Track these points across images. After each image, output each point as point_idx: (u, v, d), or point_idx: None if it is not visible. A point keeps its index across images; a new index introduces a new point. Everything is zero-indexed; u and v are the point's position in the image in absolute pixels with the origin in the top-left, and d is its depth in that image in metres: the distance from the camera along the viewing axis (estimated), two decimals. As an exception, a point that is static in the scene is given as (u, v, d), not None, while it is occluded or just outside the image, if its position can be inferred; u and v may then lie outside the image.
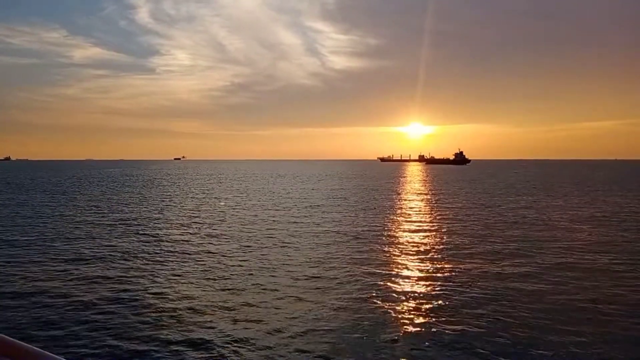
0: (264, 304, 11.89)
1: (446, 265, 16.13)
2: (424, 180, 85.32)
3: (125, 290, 12.97)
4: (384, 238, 21.89)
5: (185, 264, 16.30)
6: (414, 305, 11.95)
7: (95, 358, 8.77)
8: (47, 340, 9.49)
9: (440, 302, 12.13)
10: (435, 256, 17.72)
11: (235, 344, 9.34)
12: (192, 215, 30.65)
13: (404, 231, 24.13)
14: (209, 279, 14.32)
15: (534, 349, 9.14)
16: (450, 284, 13.76)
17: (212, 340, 9.54)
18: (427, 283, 14.05)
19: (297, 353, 8.98)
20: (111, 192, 50.56)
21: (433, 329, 10.18)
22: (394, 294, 12.81)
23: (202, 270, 15.35)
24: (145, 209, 34.39)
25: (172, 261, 16.81)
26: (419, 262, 16.78)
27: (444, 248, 19.28)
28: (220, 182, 74.26)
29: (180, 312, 11.24)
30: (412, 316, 11.13)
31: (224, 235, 22.63)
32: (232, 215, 30.74)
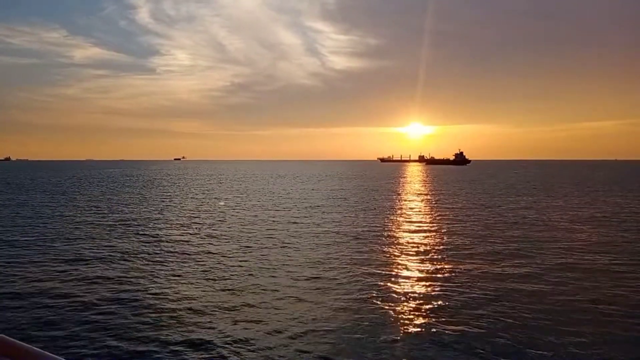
0: (264, 304, 11.88)
1: (446, 266, 16.13)
2: (424, 180, 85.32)
3: (125, 291, 12.97)
4: (384, 238, 21.89)
5: (185, 264, 16.30)
6: (414, 305, 11.95)
7: (95, 358, 8.77)
8: (47, 341, 9.49)
9: (440, 302, 12.13)
10: (435, 257, 17.72)
11: (235, 345, 9.34)
12: (192, 215, 30.65)
13: (404, 232, 24.13)
14: (209, 279, 14.32)
15: (534, 349, 9.14)
16: (450, 284, 13.76)
17: (212, 340, 9.54)
18: (427, 283, 14.04)
19: (297, 353, 8.98)
20: (111, 193, 50.56)
21: (433, 329, 10.18)
22: (394, 295, 12.81)
23: (202, 271, 15.34)
24: (145, 209, 34.39)
25: (172, 261, 16.81)
26: (419, 263, 16.78)
27: (444, 248, 19.28)
28: (220, 183, 74.26)
29: (180, 312, 11.24)
30: (412, 316, 11.13)
31: (224, 235, 22.63)
32: (232, 215, 30.74)
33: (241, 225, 26.13)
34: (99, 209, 34.22)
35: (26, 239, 21.29)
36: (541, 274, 14.91)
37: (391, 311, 11.43)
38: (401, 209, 35.45)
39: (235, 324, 10.45)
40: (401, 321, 10.79)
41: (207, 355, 8.88)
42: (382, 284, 13.81)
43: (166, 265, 16.16)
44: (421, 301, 12.26)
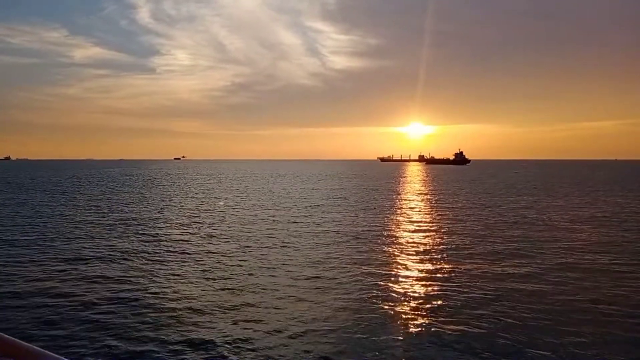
0: (264, 304, 11.88)
1: (446, 266, 16.12)
2: (424, 180, 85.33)
3: (125, 290, 12.96)
4: (384, 238, 21.88)
5: (185, 264, 16.30)
6: (414, 305, 11.94)
7: (95, 357, 8.76)
8: (47, 340, 9.48)
9: (440, 302, 12.12)
10: (435, 256, 17.71)
11: (235, 344, 9.34)
12: (192, 215, 30.64)
13: (404, 231, 24.12)
14: (209, 278, 14.31)
15: (534, 349, 9.13)
16: (450, 284, 13.75)
17: (212, 340, 9.53)
18: (427, 283, 14.03)
19: (297, 353, 8.97)
20: (111, 192, 50.56)
21: (433, 329, 10.17)
22: (394, 294, 12.80)
23: (202, 270, 15.33)
24: (145, 208, 34.39)
25: (172, 261, 16.81)
26: (419, 263, 16.77)
27: (444, 248, 19.27)
28: (220, 182, 74.26)
29: (180, 312, 11.23)
30: (412, 316, 11.12)
31: (224, 235, 22.62)
32: (232, 215, 30.73)
33: (241, 224, 26.12)
34: (99, 208, 34.22)
35: (26, 238, 21.28)
36: (541, 273, 14.90)
37: (391, 311, 11.42)
38: (401, 208, 35.44)
39: (235, 324, 10.44)
40: (401, 321, 10.79)
41: (207, 355, 8.87)
42: (382, 283, 13.80)
43: (166, 265, 16.15)
44: (421, 301, 12.26)
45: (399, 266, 16.13)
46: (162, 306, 11.63)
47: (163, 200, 40.97)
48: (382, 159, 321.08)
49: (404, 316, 11.11)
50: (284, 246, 19.62)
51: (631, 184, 66.00)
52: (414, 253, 18.45)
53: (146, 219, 28.13)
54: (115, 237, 21.65)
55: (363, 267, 15.70)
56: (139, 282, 13.81)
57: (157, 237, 21.96)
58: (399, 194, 50.10)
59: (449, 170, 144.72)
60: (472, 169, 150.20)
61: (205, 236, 22.20)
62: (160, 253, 18.20)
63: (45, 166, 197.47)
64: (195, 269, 15.59)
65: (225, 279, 14.31)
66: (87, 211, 32.20)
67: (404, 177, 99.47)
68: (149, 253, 18.16)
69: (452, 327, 10.26)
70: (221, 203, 38.85)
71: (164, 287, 13.31)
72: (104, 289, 13.07)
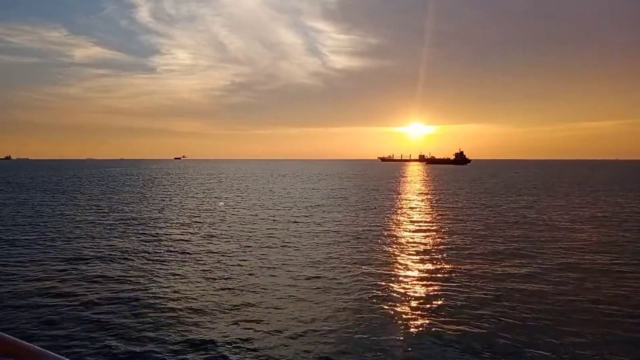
0: (265, 303, 11.88)
1: (446, 266, 16.12)
2: (424, 180, 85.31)
3: (125, 290, 12.96)
4: (384, 238, 21.88)
5: (185, 264, 16.30)
6: (414, 305, 11.94)
7: (95, 357, 8.77)
8: (48, 340, 9.49)
9: (440, 302, 12.12)
10: (436, 256, 17.71)
11: (236, 344, 9.34)
12: (193, 214, 30.65)
13: (404, 231, 24.12)
14: (209, 278, 14.32)
15: (534, 349, 9.13)
16: (451, 284, 13.75)
17: (213, 340, 9.53)
18: (428, 283, 14.03)
19: (297, 353, 8.97)
20: (111, 192, 50.57)
21: (433, 329, 10.17)
22: (395, 294, 12.80)
23: (202, 270, 15.34)
24: (146, 208, 34.40)
25: (172, 261, 16.81)
26: (419, 262, 16.77)
27: (445, 248, 19.27)
28: (221, 182, 74.28)
29: (180, 312, 11.24)
30: (412, 316, 11.12)
31: (224, 234, 22.63)
32: (232, 214, 30.74)
33: (241, 224, 26.12)
34: (99, 207, 34.23)
35: (26, 237, 21.29)
36: (542, 273, 14.89)
37: (391, 311, 11.42)
38: (401, 208, 35.44)
39: (235, 324, 10.45)
40: (401, 321, 10.78)
41: (207, 355, 8.87)
42: (382, 283, 13.80)
43: (166, 265, 16.16)
44: (421, 301, 12.26)
45: (399, 266, 16.13)
46: (162, 306, 11.64)
47: (163, 200, 40.98)
48: (383, 159, 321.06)
49: (404, 316, 11.11)
50: (284, 246, 19.63)
51: (631, 184, 65.97)
52: (414, 253, 18.45)
53: (146, 219, 28.14)
54: (116, 237, 21.66)
55: (363, 267, 15.70)
56: (139, 282, 13.81)
57: (157, 236, 21.97)
58: (400, 194, 50.09)
59: (450, 170, 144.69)
60: (473, 169, 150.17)
61: (205, 236, 22.20)
62: (160, 253, 18.20)
63: (45, 166, 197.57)
64: (195, 268, 15.59)
65: (225, 278, 14.31)
66: (87, 211, 32.21)
67: (405, 177, 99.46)
68: (149, 253, 18.16)
69: (452, 327, 10.26)
70: (221, 203, 38.86)
71: (164, 287, 13.31)
72: (104, 289, 13.07)
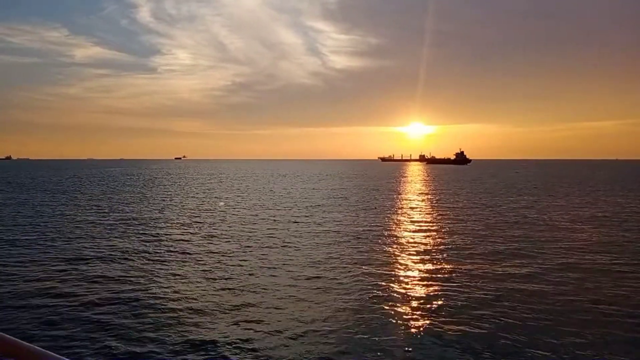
0: (265, 304, 11.88)
1: (447, 266, 16.12)
2: (424, 180, 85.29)
3: (125, 290, 12.97)
4: (384, 238, 21.88)
5: (186, 264, 16.31)
6: (414, 305, 11.94)
7: (96, 358, 8.77)
8: (48, 340, 9.50)
9: (440, 302, 12.12)
10: (436, 256, 17.71)
11: (236, 344, 9.35)
12: (193, 214, 30.65)
13: (404, 231, 24.12)
14: (209, 278, 14.32)
15: (534, 349, 9.13)
16: (451, 284, 13.75)
17: (213, 340, 9.54)
18: (428, 283, 14.03)
19: (297, 353, 8.98)
20: (112, 192, 50.58)
21: (433, 329, 10.18)
22: (395, 294, 12.80)
23: (202, 270, 15.34)
24: (146, 208, 34.40)
25: (172, 261, 16.82)
26: (419, 263, 16.77)
27: (445, 248, 19.27)
28: (221, 182, 74.28)
29: (181, 312, 11.24)
30: (412, 316, 11.13)
31: (225, 235, 22.63)
32: (233, 214, 30.74)
33: (242, 224, 26.13)
34: (100, 208, 34.24)
35: (27, 237, 21.30)
36: (542, 273, 14.89)
37: (391, 311, 11.42)
38: (402, 208, 35.44)
39: (235, 324, 10.45)
40: (401, 321, 10.79)
41: (207, 356, 8.88)
42: (382, 283, 13.80)
43: (166, 265, 16.16)
44: (421, 301, 12.26)
45: (399, 266, 16.14)
46: (162, 306, 11.64)
47: (164, 200, 40.99)
48: (383, 159, 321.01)
49: (404, 316, 11.11)
50: (284, 246, 19.63)
51: (631, 184, 65.94)
52: (414, 253, 18.45)
53: (147, 219, 28.15)
54: (116, 237, 21.67)
55: (364, 267, 15.71)
56: (139, 282, 13.82)
57: (157, 237, 21.98)
58: (400, 194, 50.09)
59: (450, 170, 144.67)
60: (473, 169, 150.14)
61: (206, 236, 22.21)
62: (160, 253, 18.21)
63: (45, 166, 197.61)
64: (195, 269, 15.60)
65: (225, 279, 14.32)
66: (87, 211, 32.22)
67: (405, 177, 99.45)
68: (149, 253, 18.17)
69: (452, 327, 10.27)
70: (222, 203, 38.86)
71: (165, 287, 13.32)
72: (104, 289, 13.08)
